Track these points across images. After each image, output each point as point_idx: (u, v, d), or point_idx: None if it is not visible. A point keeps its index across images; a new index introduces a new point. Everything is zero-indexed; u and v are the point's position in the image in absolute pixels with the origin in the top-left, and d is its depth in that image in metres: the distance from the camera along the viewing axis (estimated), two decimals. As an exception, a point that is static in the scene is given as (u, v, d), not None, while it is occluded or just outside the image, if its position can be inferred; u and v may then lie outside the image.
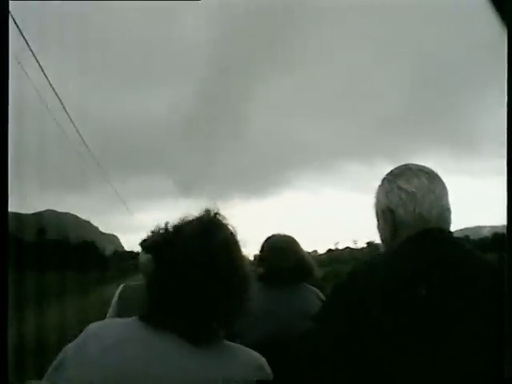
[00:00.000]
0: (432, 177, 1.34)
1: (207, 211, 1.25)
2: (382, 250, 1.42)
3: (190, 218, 1.24)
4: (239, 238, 1.25)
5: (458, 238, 1.33)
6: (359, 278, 1.24)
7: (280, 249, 2.31)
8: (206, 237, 1.18)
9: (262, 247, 2.39)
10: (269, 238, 2.42)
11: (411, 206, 1.30)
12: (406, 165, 1.40)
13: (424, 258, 1.20)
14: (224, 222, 1.25)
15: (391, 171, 1.41)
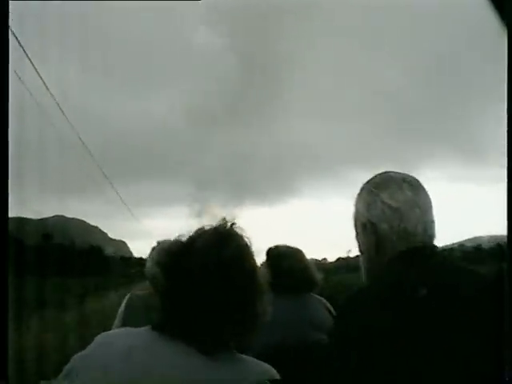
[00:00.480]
0: (416, 188, 1.29)
1: (223, 221, 1.24)
2: (361, 261, 1.37)
3: (206, 228, 1.23)
4: (254, 248, 1.23)
5: (444, 251, 1.32)
6: (362, 302, 1.22)
7: (285, 258, 2.32)
8: (220, 247, 1.17)
9: (267, 257, 2.39)
10: (272, 248, 2.43)
11: (396, 222, 1.25)
12: (386, 173, 1.34)
13: (417, 276, 1.18)
14: (239, 232, 1.23)
15: (371, 180, 1.35)
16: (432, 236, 1.28)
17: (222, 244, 1.17)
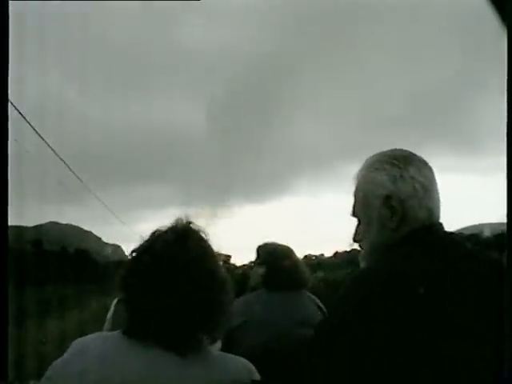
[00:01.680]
0: (431, 168, 1.30)
1: (179, 220, 1.25)
2: (367, 234, 1.33)
3: (162, 229, 1.24)
4: (218, 242, 1.26)
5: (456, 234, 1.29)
6: (368, 281, 1.16)
7: (274, 255, 2.33)
8: (178, 246, 1.18)
9: (257, 254, 2.40)
10: (261, 246, 2.43)
11: (424, 199, 1.25)
12: (402, 149, 1.32)
13: (433, 256, 1.16)
14: (196, 229, 1.25)
15: (392, 154, 1.31)
16: (437, 214, 1.27)
17: (178, 243, 1.18)
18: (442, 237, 1.24)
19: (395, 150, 1.33)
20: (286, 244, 2.42)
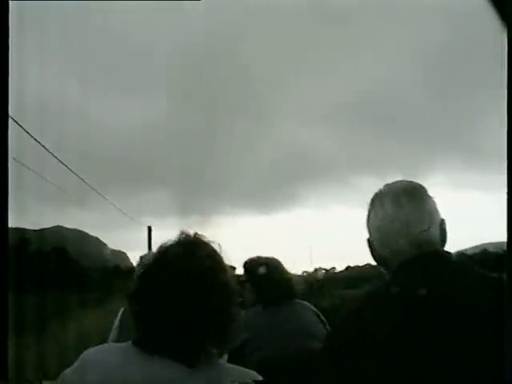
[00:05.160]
0: (400, 201, 1.29)
1: (187, 231, 1.25)
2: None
3: (170, 242, 1.24)
4: (225, 254, 1.26)
5: (443, 258, 1.26)
6: (355, 319, 1.24)
7: (264, 270, 2.36)
8: (188, 259, 1.18)
9: (245, 271, 2.43)
10: (249, 262, 2.46)
11: (383, 239, 1.31)
12: (385, 186, 1.37)
13: (411, 295, 1.18)
14: (205, 240, 1.25)
15: (379, 192, 1.38)
16: (427, 244, 1.27)
17: (188, 255, 1.19)
18: (429, 266, 1.23)
19: (381, 187, 1.37)
20: (271, 257, 2.43)
